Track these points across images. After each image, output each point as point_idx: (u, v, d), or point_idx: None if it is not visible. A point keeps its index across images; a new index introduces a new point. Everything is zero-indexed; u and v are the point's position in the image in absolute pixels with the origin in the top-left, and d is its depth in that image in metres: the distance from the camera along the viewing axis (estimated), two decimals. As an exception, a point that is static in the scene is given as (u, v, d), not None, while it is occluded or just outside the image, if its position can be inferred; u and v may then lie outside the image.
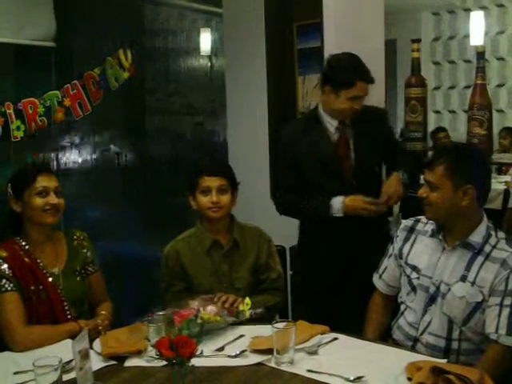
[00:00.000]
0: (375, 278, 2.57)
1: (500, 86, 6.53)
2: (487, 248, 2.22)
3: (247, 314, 2.40)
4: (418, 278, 2.34)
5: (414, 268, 2.36)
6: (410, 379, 1.85)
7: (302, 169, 2.93)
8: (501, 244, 2.22)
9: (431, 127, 6.57)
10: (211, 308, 2.33)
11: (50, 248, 2.50)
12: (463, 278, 2.21)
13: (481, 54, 3.11)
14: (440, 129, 6.43)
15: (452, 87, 7.11)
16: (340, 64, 2.87)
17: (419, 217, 2.46)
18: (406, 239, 2.45)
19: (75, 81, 3.48)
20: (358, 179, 2.89)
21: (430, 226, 2.38)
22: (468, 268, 2.22)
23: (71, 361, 1.95)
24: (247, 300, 2.45)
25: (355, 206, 2.79)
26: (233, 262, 2.69)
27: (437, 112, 7.13)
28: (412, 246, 2.42)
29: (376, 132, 2.91)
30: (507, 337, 2.11)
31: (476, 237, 2.24)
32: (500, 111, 6.11)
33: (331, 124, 2.90)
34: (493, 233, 2.26)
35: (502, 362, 2.11)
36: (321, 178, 2.90)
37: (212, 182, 2.63)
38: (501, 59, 6.59)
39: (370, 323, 2.51)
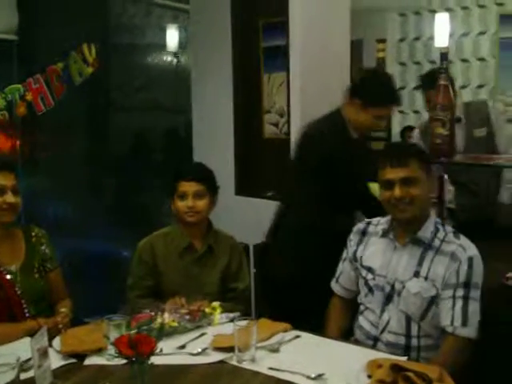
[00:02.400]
0: (333, 283, 2.59)
1: (464, 87, 6.60)
2: (436, 242, 2.27)
3: (216, 320, 2.38)
4: (373, 278, 2.37)
5: (369, 269, 2.40)
6: (370, 376, 1.86)
7: (333, 177, 2.82)
8: (449, 237, 2.27)
9: (396, 127, 6.62)
10: (170, 313, 2.31)
11: (7, 245, 2.47)
12: (416, 274, 2.25)
13: (444, 55, 3.14)
14: (410, 128, 6.49)
15: (417, 88, 7.19)
16: (374, 82, 2.90)
17: (370, 219, 2.51)
18: (360, 242, 2.48)
19: (38, 75, 3.42)
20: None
21: (381, 227, 2.42)
22: (420, 263, 2.26)
23: (29, 359, 1.92)
24: (214, 304, 2.44)
25: None
26: (204, 266, 2.70)
27: (402, 112, 7.18)
28: (365, 248, 2.45)
29: None
30: (462, 328, 2.15)
31: (425, 232, 2.29)
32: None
33: (353, 134, 2.91)
34: (440, 227, 2.31)
35: (459, 354, 2.16)
36: (347, 190, 2.84)
37: (188, 187, 2.64)
38: (465, 61, 6.66)
39: (330, 326, 2.52)
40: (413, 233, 2.29)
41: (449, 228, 2.33)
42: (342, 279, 2.55)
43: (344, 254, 2.55)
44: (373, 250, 2.41)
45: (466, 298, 2.17)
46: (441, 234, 2.28)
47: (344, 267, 2.54)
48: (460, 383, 1.83)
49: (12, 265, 2.44)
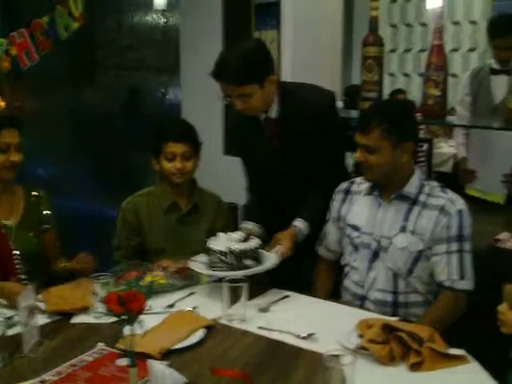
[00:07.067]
0: (317, 246, 2.58)
1: (454, 50, 6.55)
2: (422, 197, 2.26)
3: (205, 278, 2.36)
4: (358, 236, 2.36)
5: (354, 227, 2.38)
6: (361, 336, 1.85)
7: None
8: (435, 191, 2.27)
9: (386, 89, 6.56)
10: (158, 272, 2.30)
11: (6, 200, 2.47)
12: (403, 229, 2.25)
13: (439, 15, 3.09)
14: (398, 90, 6.45)
15: (407, 50, 7.13)
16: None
17: (353, 179, 2.50)
18: (343, 201, 2.47)
19: (22, 29, 3.31)
20: (288, 181, 2.60)
21: (365, 185, 2.40)
22: (406, 218, 2.26)
23: (14, 316, 1.90)
24: None
25: None
26: (189, 225, 2.66)
27: (392, 75, 7.13)
28: (349, 206, 2.43)
29: (305, 133, 2.49)
30: (460, 281, 2.18)
31: (410, 188, 2.28)
32: (454, 75, 6.12)
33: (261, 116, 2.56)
34: (425, 182, 2.31)
35: (457, 307, 2.21)
36: (259, 175, 2.72)
37: (177, 148, 2.58)
38: (456, 24, 6.60)
39: (317, 288, 2.51)
40: (398, 189, 2.28)
41: (434, 183, 2.33)
42: (326, 241, 2.54)
43: (327, 215, 2.53)
44: (357, 208, 2.40)
45: (460, 252, 2.19)
46: (426, 189, 2.28)
47: (328, 228, 2.52)
48: (449, 343, 1.83)
49: (8, 220, 2.44)
